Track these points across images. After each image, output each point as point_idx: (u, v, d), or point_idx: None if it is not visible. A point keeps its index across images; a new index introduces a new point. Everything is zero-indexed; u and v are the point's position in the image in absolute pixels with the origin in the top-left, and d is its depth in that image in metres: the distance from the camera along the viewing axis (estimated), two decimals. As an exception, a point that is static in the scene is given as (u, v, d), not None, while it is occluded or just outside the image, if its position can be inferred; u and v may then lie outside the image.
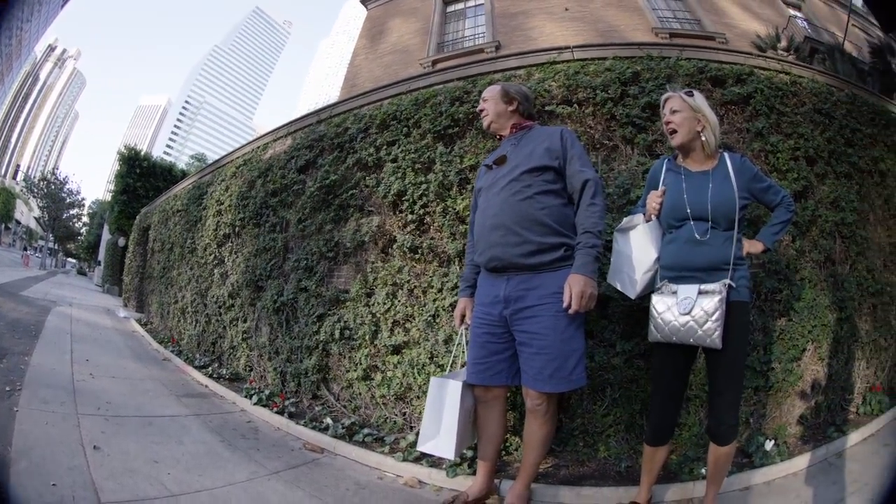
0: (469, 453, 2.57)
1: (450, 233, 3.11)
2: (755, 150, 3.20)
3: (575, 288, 1.95)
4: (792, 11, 15.48)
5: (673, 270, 2.04)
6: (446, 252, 3.11)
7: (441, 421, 2.23)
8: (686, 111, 2.07)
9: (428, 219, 3.24)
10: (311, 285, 3.76)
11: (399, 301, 3.23)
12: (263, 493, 2.25)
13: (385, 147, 3.54)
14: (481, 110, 2.40)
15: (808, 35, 14.12)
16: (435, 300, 3.06)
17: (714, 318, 1.85)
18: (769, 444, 2.72)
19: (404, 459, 2.69)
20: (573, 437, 2.74)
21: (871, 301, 3.55)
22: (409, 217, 3.27)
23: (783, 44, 10.62)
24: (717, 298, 1.86)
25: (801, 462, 2.73)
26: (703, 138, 2.07)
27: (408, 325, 3.19)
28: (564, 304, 1.96)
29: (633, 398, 2.72)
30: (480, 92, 2.50)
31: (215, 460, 2.56)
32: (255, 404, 3.68)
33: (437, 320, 3.04)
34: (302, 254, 3.90)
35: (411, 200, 3.26)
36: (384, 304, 3.26)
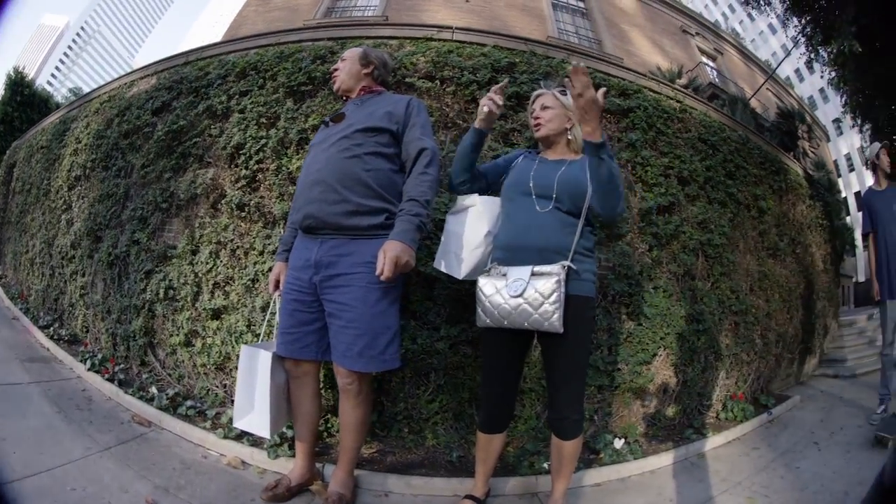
0: (290, 432, 2.50)
1: (279, 193, 3.03)
2: (623, 159, 3.33)
3: (389, 253, 1.85)
4: (705, 60, 16.48)
5: (506, 251, 1.97)
6: (272, 213, 3.03)
7: (254, 395, 2.14)
8: (557, 108, 2.08)
9: (260, 176, 3.14)
10: (143, 238, 3.55)
11: (221, 261, 3.11)
12: (97, 472, 2.24)
13: (237, 97, 3.40)
14: (335, 69, 2.34)
15: (713, 82, 15.04)
16: (255, 263, 2.97)
17: (551, 300, 1.77)
18: (619, 443, 2.85)
19: (225, 437, 2.63)
20: (397, 423, 2.73)
21: (733, 319, 3.80)
22: (244, 172, 3.16)
23: (682, 81, 11.15)
24: (553, 280, 1.79)
25: (658, 461, 2.86)
26: (571, 136, 2.07)
27: (227, 287, 3.08)
28: (378, 271, 1.85)
29: (461, 386, 2.74)
30: None
31: (54, 435, 2.55)
32: (88, 370, 3.51)
33: (256, 285, 2.95)
34: (139, 202, 3.67)
35: (248, 155, 3.15)
36: (207, 263, 3.13)
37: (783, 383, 4.81)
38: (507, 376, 2.04)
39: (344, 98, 2.37)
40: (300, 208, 2.09)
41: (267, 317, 2.43)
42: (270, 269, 2.71)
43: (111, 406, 3.10)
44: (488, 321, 1.91)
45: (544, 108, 2.08)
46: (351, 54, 2.35)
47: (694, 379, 3.39)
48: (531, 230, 1.92)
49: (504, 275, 1.89)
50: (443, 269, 2.19)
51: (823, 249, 5.84)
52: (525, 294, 1.80)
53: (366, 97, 2.27)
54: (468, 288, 2.32)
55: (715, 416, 3.61)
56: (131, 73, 4.90)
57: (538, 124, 2.08)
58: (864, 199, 4.17)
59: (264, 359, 2.12)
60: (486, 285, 1.91)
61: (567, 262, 1.84)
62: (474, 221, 2.11)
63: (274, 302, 2.33)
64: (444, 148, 3.00)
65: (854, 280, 20.05)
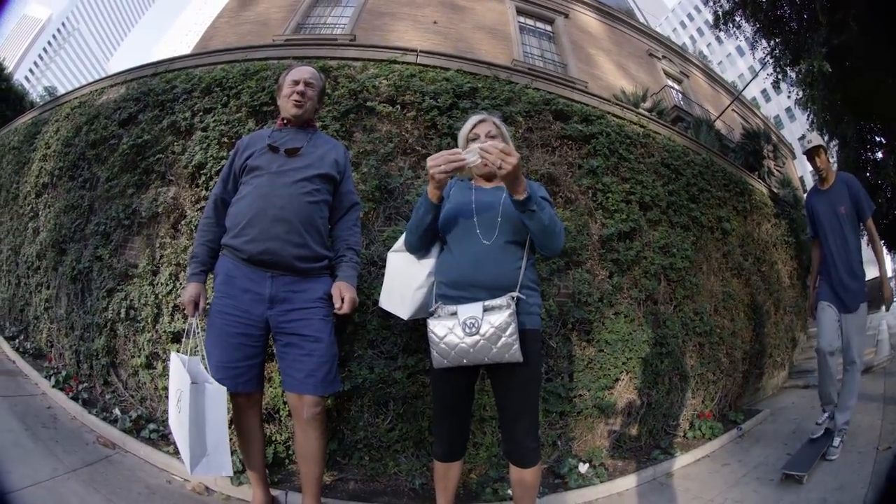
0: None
1: (236, 216, 2.95)
2: (583, 185, 3.33)
3: (347, 294, 2.09)
4: (671, 83, 16.56)
5: (453, 288, 1.91)
6: (230, 238, 2.94)
7: (205, 433, 1.89)
8: (499, 136, 2.04)
9: (220, 197, 3.06)
10: (105, 254, 3.46)
11: (181, 284, 3.03)
12: (64, 495, 2.23)
13: (201, 114, 3.35)
14: (303, 93, 2.22)
15: (677, 105, 15.10)
16: (213, 289, 2.86)
17: (508, 332, 1.76)
18: (584, 467, 2.84)
19: (189, 463, 2.55)
20: (357, 451, 2.71)
21: (697, 340, 3.81)
22: (203, 193, 3.11)
23: (647, 104, 11.10)
24: (506, 313, 1.77)
25: (625, 483, 2.87)
26: None
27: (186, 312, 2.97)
28: (336, 307, 2.08)
29: (419, 414, 2.72)
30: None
31: (21, 454, 2.54)
32: (53, 387, 3.45)
33: (214, 311, 2.86)
34: (103, 217, 3.58)
35: (208, 175, 3.11)
36: (167, 285, 3.06)
37: (752, 398, 4.82)
38: (462, 409, 2.04)
39: (285, 122, 2.28)
40: (258, 240, 2.04)
41: (190, 342, 2.11)
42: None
43: (76, 426, 3.05)
44: (446, 362, 1.86)
45: (490, 136, 2.01)
46: (318, 83, 2.32)
47: (659, 401, 3.40)
48: (479, 266, 1.88)
49: (453, 313, 1.84)
50: (389, 309, 2.27)
51: (790, 265, 5.90)
52: (482, 331, 1.78)
53: (310, 131, 2.30)
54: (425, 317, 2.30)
55: (682, 435, 3.61)
56: (102, 79, 4.81)
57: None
58: (806, 202, 3.69)
59: (216, 393, 1.91)
60: (437, 327, 1.86)
61: (515, 293, 1.85)
62: (415, 262, 2.14)
63: (194, 325, 2.12)
64: (403, 175, 2.98)
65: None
